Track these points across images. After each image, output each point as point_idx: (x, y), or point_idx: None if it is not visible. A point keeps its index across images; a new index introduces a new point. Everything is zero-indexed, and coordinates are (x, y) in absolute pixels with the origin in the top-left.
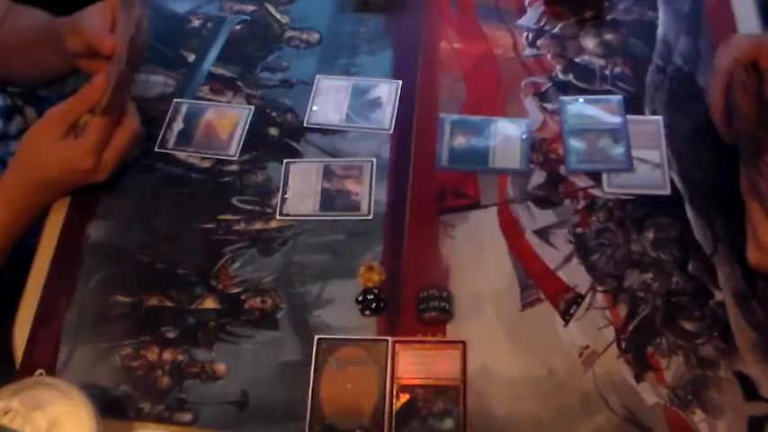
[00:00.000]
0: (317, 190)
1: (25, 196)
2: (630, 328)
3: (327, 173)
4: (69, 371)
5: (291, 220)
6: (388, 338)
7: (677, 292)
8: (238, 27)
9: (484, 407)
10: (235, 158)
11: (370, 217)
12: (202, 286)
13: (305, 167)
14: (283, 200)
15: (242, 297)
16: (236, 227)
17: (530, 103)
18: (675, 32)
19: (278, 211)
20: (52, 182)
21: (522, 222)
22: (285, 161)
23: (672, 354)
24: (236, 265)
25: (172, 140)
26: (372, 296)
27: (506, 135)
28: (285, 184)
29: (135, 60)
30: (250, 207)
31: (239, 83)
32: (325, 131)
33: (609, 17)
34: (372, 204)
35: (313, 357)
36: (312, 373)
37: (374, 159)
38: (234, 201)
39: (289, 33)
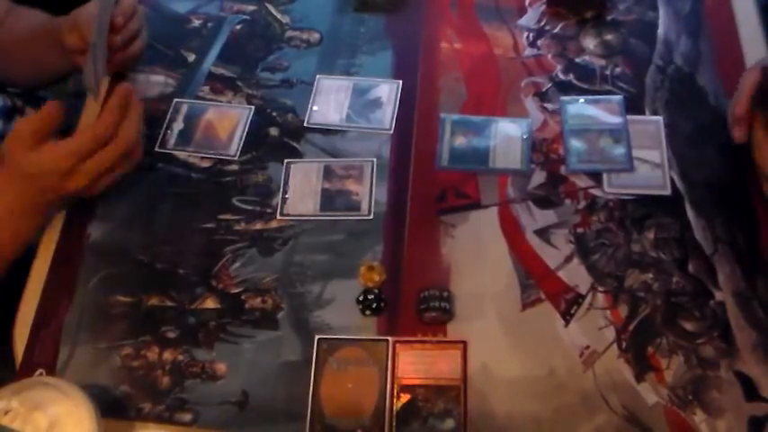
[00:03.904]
0: (317, 190)
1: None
2: (631, 328)
3: (328, 173)
4: (69, 371)
5: (292, 220)
6: (389, 338)
7: (677, 292)
8: (238, 27)
9: (484, 407)
10: (235, 158)
11: (371, 217)
12: (203, 286)
13: (305, 167)
14: (284, 200)
15: (242, 297)
16: (237, 227)
17: (530, 103)
18: (676, 32)
19: (278, 211)
20: (31, 191)
21: (523, 222)
22: (285, 161)
23: (672, 354)
24: (237, 264)
25: (172, 140)
26: (373, 296)
27: (507, 135)
28: (285, 184)
29: (132, 51)
30: (250, 207)
31: (239, 83)
32: (326, 131)
33: (609, 17)
34: (373, 204)
35: (313, 357)
36: (312, 374)
37: (374, 159)
38: (234, 201)
39: (289, 33)
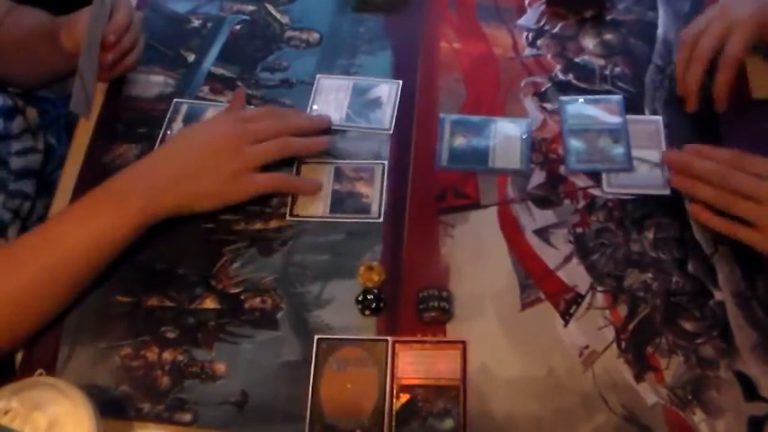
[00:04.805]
0: (327, 191)
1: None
2: (630, 327)
3: (338, 175)
4: (69, 371)
5: (301, 220)
6: (388, 338)
7: (677, 292)
8: (238, 27)
9: (484, 407)
10: None
11: (380, 220)
12: (202, 286)
13: (316, 169)
14: (293, 200)
15: (242, 297)
16: (236, 227)
17: (530, 103)
18: (675, 32)
19: (288, 212)
20: None
21: (522, 222)
22: (296, 161)
23: (672, 354)
24: (236, 264)
25: None
26: (372, 296)
27: (506, 135)
28: None
29: (124, 66)
30: (250, 207)
31: (239, 83)
32: (326, 131)
33: (608, 17)
34: (383, 207)
35: (313, 357)
36: (312, 374)
37: (386, 162)
38: None
39: (289, 33)
